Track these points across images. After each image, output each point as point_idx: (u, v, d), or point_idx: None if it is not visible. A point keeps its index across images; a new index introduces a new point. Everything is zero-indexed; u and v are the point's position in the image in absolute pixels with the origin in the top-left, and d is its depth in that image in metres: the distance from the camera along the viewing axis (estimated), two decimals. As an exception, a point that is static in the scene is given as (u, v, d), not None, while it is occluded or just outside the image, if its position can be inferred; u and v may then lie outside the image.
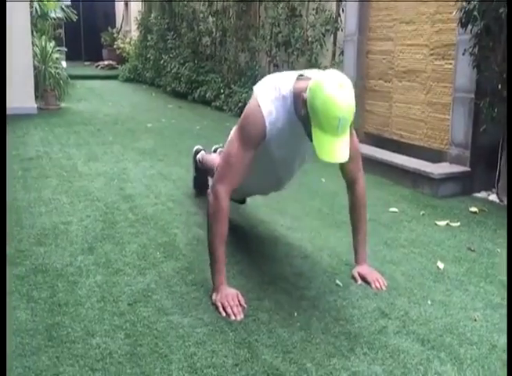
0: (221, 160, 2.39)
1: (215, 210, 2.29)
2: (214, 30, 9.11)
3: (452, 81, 4.29)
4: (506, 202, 3.88)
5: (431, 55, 4.60)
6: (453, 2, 4.11)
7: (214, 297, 2.28)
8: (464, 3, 3.74)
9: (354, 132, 2.52)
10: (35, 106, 7.11)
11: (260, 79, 2.40)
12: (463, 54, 3.92)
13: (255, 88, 2.33)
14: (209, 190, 2.35)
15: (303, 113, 2.14)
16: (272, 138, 2.29)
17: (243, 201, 3.37)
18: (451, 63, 4.36)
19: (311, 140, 2.11)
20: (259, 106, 2.23)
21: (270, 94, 2.25)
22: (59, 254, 2.72)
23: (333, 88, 2.02)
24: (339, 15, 6.04)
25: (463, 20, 3.79)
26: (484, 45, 3.75)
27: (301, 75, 2.26)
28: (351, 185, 2.60)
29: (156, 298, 2.31)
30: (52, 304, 2.22)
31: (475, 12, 3.66)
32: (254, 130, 2.25)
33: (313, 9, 6.44)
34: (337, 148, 2.05)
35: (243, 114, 2.33)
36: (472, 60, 3.86)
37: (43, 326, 2.05)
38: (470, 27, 3.77)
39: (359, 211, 2.63)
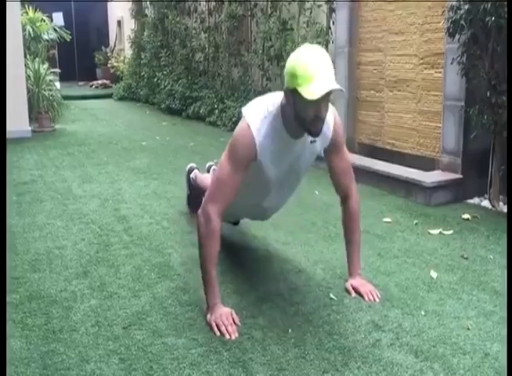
0: (212, 182, 2.41)
1: (207, 231, 2.30)
2: (206, 46, 9.18)
3: (442, 89, 4.34)
4: (498, 208, 3.90)
5: (421, 64, 4.64)
6: (441, 12, 4.16)
7: (208, 316, 2.30)
8: (451, 13, 3.79)
9: (345, 147, 2.55)
10: (29, 129, 7.14)
11: (253, 93, 2.45)
12: (452, 63, 3.95)
13: (244, 110, 2.36)
14: (199, 211, 2.35)
15: (288, 112, 2.20)
16: (263, 157, 2.31)
17: (236, 223, 3.37)
18: (440, 72, 4.41)
19: (309, 131, 2.21)
20: (249, 126, 2.26)
21: (259, 113, 2.28)
22: (54, 279, 2.73)
23: (300, 50, 2.16)
24: (329, 27, 6.09)
25: (451, 30, 3.83)
26: (472, 54, 3.79)
27: None
28: (345, 199, 2.63)
29: (151, 320, 2.32)
30: (47, 331, 2.23)
31: (462, 22, 3.71)
32: (244, 151, 2.28)
33: (304, 23, 6.49)
34: (324, 82, 2.07)
35: (233, 136, 2.35)
36: (460, 69, 3.90)
37: (38, 354, 2.06)
38: (457, 36, 3.82)
39: (353, 225, 2.66)
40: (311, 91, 2.06)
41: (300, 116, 2.19)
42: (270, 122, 2.26)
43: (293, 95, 2.13)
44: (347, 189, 2.59)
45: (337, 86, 2.08)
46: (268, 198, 2.64)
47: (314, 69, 2.06)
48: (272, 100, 2.31)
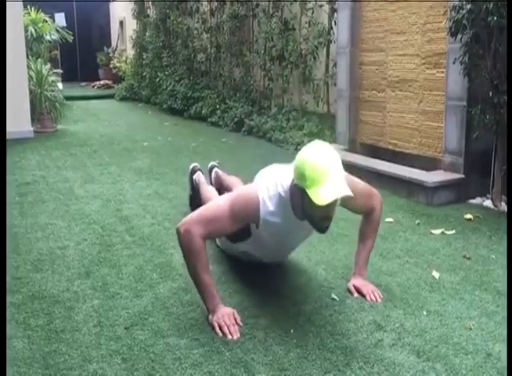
0: (210, 207, 2.38)
1: (190, 245, 2.26)
2: (208, 46, 9.19)
3: (444, 89, 4.33)
4: (500, 207, 3.89)
5: (423, 64, 4.63)
6: (443, 12, 4.16)
7: (210, 317, 2.30)
8: (453, 12, 3.78)
9: (355, 182, 2.44)
10: (31, 129, 7.14)
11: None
12: (454, 63, 3.95)
13: (257, 177, 2.42)
14: (182, 226, 2.29)
15: (296, 201, 2.20)
16: (265, 230, 2.35)
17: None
18: (442, 72, 4.39)
19: (316, 228, 2.23)
20: (257, 197, 2.28)
21: (270, 189, 2.29)
22: (56, 279, 2.73)
23: (309, 148, 2.13)
24: (331, 27, 6.09)
25: (453, 29, 3.83)
26: (474, 54, 3.78)
27: None
28: (368, 214, 2.61)
29: (153, 320, 2.32)
30: (49, 331, 2.23)
31: (464, 21, 3.71)
32: (245, 218, 2.33)
33: (306, 23, 6.50)
34: (334, 186, 2.05)
35: (239, 195, 2.36)
36: (462, 68, 3.89)
37: (40, 354, 2.07)
38: (459, 35, 3.81)
39: (370, 232, 2.66)
40: (320, 196, 2.03)
41: (308, 213, 2.19)
42: (279, 200, 2.28)
43: (301, 193, 2.12)
44: (371, 208, 2.58)
45: (346, 192, 2.05)
46: (264, 256, 2.74)
47: (323, 171, 2.03)
48: (286, 180, 2.27)
